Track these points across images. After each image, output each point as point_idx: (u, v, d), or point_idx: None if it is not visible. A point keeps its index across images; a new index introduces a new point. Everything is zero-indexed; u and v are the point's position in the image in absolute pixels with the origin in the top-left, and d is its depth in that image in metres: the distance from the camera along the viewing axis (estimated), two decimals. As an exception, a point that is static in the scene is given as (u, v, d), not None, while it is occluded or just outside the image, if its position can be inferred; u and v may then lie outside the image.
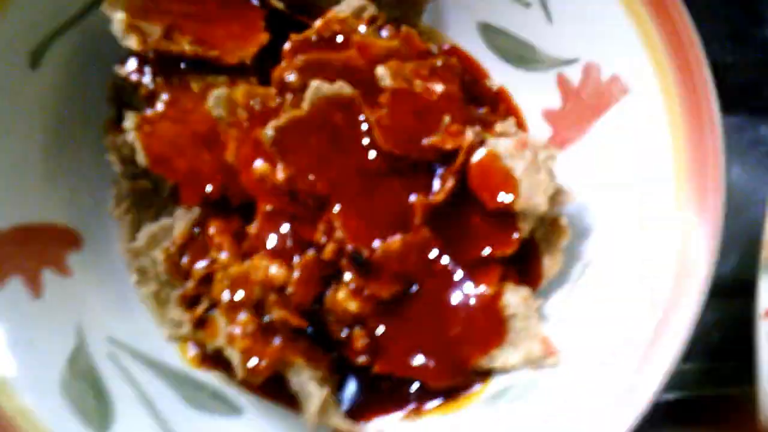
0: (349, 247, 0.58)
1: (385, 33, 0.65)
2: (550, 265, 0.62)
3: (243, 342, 0.57)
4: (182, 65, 0.64)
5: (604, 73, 0.64)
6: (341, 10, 0.65)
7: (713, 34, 0.73)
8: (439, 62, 0.64)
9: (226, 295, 0.59)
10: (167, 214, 0.65)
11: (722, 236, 0.57)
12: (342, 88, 0.60)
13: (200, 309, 0.61)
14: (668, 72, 0.60)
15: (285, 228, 0.61)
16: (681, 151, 0.58)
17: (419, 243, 0.60)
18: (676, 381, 0.55)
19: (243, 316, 0.59)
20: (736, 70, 0.77)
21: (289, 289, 0.59)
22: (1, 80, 0.60)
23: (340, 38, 0.64)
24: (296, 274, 0.59)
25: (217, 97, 0.62)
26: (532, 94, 0.69)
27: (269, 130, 0.59)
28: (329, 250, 0.59)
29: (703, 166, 0.58)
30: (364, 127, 0.61)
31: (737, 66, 0.77)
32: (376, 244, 0.59)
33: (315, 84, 0.59)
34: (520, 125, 0.69)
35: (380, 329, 0.60)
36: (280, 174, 0.59)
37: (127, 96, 0.65)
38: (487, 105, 0.69)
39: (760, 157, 0.76)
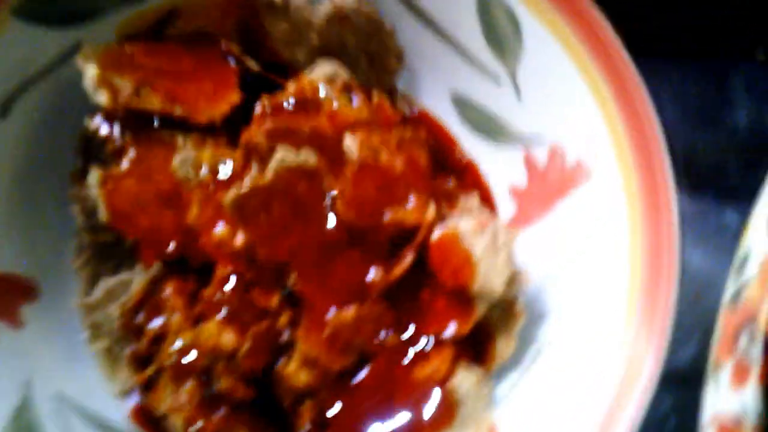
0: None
1: (356, 99, 0.65)
2: (504, 347, 0.62)
3: (186, 411, 0.57)
4: (152, 122, 0.64)
5: (569, 157, 0.65)
6: (314, 75, 0.65)
7: (683, 115, 0.74)
8: (407, 133, 0.65)
9: (173, 361, 0.59)
10: (127, 269, 0.65)
11: (682, 323, 0.57)
12: (307, 159, 0.60)
13: (149, 371, 0.61)
14: (628, 159, 0.60)
15: (240, 294, 0.60)
16: (637, 239, 0.59)
17: (374, 316, 0.60)
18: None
19: (188, 384, 0.59)
20: (703, 153, 0.78)
21: (239, 357, 0.59)
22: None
23: (311, 104, 0.64)
24: (247, 344, 0.59)
25: (183, 160, 0.62)
26: (500, 169, 0.70)
27: (231, 196, 0.59)
28: (284, 320, 0.59)
29: (658, 255, 0.58)
30: (328, 196, 0.61)
31: (706, 149, 0.78)
32: (331, 313, 0.59)
33: (280, 154, 0.59)
34: (486, 200, 0.69)
35: (329, 402, 0.60)
36: (239, 240, 0.59)
37: (95, 148, 0.65)
38: (454, 176, 0.69)
39: (725, 242, 0.76)
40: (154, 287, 0.63)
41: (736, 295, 0.58)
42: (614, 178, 0.61)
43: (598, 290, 0.61)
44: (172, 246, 0.62)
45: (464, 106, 0.71)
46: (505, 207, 0.69)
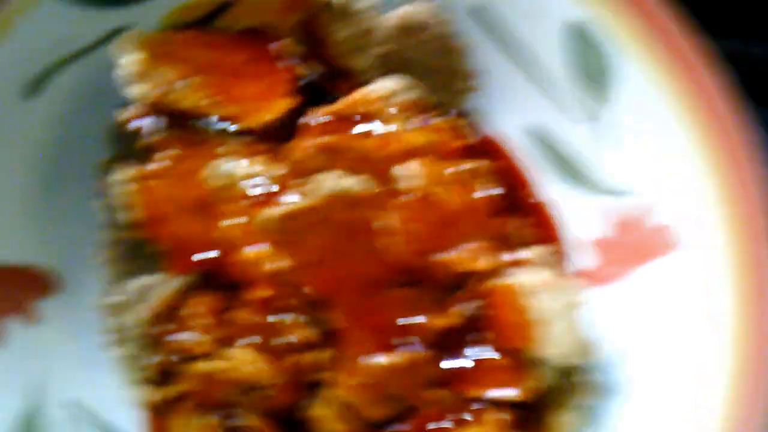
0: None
1: (417, 121, 0.58)
2: (567, 420, 0.55)
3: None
4: (191, 121, 0.57)
5: (662, 217, 0.57)
6: (374, 91, 0.58)
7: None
8: (471, 165, 0.58)
9: (198, 387, 0.54)
10: (152, 270, 0.59)
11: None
12: (356, 185, 0.54)
13: (169, 392, 0.56)
14: (734, 230, 0.53)
15: (274, 321, 0.54)
16: (738, 336, 0.51)
17: (419, 366, 0.54)
18: None
19: (211, 417, 0.54)
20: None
21: (269, 391, 0.53)
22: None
23: (368, 121, 0.57)
24: (279, 377, 0.53)
25: (222, 166, 0.56)
26: (574, 216, 0.62)
27: (272, 215, 0.53)
28: (321, 357, 0.53)
29: (762, 360, 0.50)
30: (376, 228, 0.54)
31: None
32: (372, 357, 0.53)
33: (328, 178, 0.53)
34: (556, 250, 0.61)
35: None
36: (281, 263, 0.53)
37: (126, 141, 0.59)
38: (521, 217, 0.62)
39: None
40: (181, 298, 0.57)
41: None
42: (712, 253, 0.53)
43: (685, 372, 0.53)
44: (203, 257, 0.56)
45: (540, 142, 0.63)
46: (577, 260, 0.62)
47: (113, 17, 0.58)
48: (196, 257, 0.56)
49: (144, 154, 0.58)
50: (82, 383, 0.59)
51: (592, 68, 0.57)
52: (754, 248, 0.52)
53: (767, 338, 0.50)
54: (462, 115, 0.65)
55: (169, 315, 0.57)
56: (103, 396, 0.59)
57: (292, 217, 0.54)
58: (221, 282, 0.57)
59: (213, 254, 0.56)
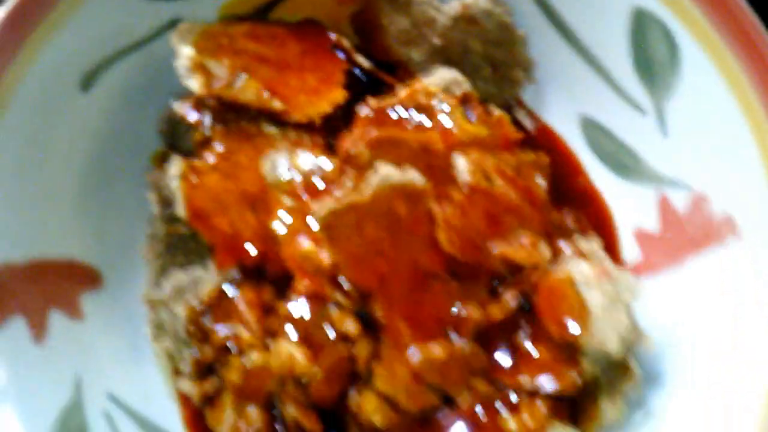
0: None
1: (474, 114, 0.57)
2: (610, 410, 0.54)
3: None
4: (245, 114, 0.57)
5: (715, 208, 0.56)
6: (431, 82, 0.58)
7: None
8: (527, 158, 0.57)
9: (239, 380, 0.54)
10: (199, 264, 0.60)
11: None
12: (412, 178, 0.53)
13: (210, 385, 0.56)
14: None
15: (318, 315, 0.54)
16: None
17: (464, 358, 0.53)
18: None
19: (252, 409, 0.53)
20: None
21: (312, 383, 0.53)
22: (47, 100, 0.55)
23: (423, 114, 0.57)
24: (321, 369, 0.53)
25: (274, 160, 0.56)
26: (629, 208, 0.61)
27: (324, 210, 0.53)
28: (363, 350, 0.53)
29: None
30: (428, 221, 0.53)
31: None
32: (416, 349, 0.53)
33: (383, 170, 0.53)
34: (610, 242, 0.61)
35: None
36: (325, 258, 0.53)
37: (180, 135, 0.60)
38: (574, 206, 0.61)
39: None
40: (226, 292, 0.57)
41: None
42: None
43: (733, 363, 0.52)
44: (250, 252, 0.56)
45: (595, 133, 0.62)
46: (631, 251, 0.61)
47: (169, 9, 0.58)
48: (246, 251, 0.56)
49: (198, 147, 0.58)
50: (120, 378, 0.59)
51: (657, 57, 0.56)
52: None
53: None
54: (520, 105, 0.64)
55: (215, 307, 0.57)
56: (140, 391, 0.59)
57: (345, 212, 0.53)
58: (269, 276, 0.57)
59: (262, 248, 0.56)
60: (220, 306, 0.57)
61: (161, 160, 0.60)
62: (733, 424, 0.51)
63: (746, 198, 0.54)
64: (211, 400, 0.56)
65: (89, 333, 0.59)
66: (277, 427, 0.54)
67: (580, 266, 0.54)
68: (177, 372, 0.60)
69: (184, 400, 0.59)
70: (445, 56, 0.62)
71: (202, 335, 0.57)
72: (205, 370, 0.57)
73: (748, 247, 0.54)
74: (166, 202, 0.59)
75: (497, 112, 0.58)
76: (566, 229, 0.59)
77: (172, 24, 0.58)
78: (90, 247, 0.60)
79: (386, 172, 0.53)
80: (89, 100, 0.58)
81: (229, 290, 0.57)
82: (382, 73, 0.61)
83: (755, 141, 0.52)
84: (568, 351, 0.53)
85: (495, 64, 0.63)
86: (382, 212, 0.53)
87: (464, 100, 0.58)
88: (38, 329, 0.55)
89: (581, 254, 0.56)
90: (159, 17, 0.58)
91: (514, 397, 0.53)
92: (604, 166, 0.62)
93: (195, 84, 0.56)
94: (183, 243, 0.61)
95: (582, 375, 0.53)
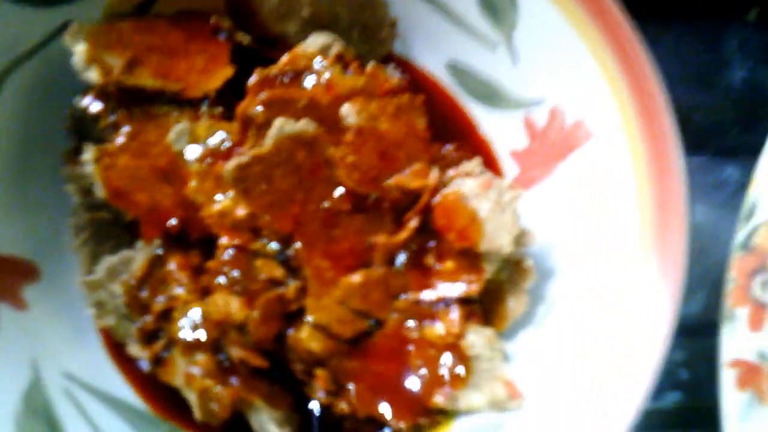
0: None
1: (350, 71, 0.64)
2: (515, 306, 0.61)
3: (201, 382, 0.56)
4: (145, 98, 0.62)
5: (569, 117, 0.64)
6: (308, 47, 0.64)
7: (679, 76, 0.74)
8: (404, 101, 0.64)
9: (184, 334, 0.58)
10: (127, 246, 0.64)
11: (688, 276, 0.56)
12: (306, 126, 0.59)
13: (158, 346, 0.60)
14: (632, 117, 0.59)
15: (245, 265, 0.59)
16: (644, 195, 0.58)
17: (381, 281, 0.60)
18: (644, 422, 0.55)
19: (201, 356, 0.58)
20: (702, 112, 0.78)
21: (250, 326, 0.58)
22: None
23: (305, 75, 0.63)
24: (256, 313, 0.58)
25: (178, 132, 0.61)
26: (500, 133, 0.69)
27: (231, 166, 0.58)
28: (292, 289, 0.58)
29: (667, 209, 0.58)
30: (328, 165, 0.60)
31: (702, 108, 0.78)
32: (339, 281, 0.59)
33: (279, 122, 0.58)
34: (490, 163, 0.68)
35: (342, 368, 0.59)
36: (241, 211, 0.58)
37: (87, 126, 0.64)
38: (454, 141, 0.68)
39: (725, 197, 0.76)
40: (156, 263, 0.62)
41: (746, 243, 0.58)
42: (617, 135, 0.60)
43: (608, 244, 0.60)
44: (172, 221, 0.61)
45: (460, 74, 0.70)
46: (508, 170, 0.69)
47: (58, 13, 0.62)
48: (168, 221, 0.61)
49: (106, 135, 0.62)
50: (72, 358, 0.63)
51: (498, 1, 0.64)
52: (652, 130, 0.59)
53: (669, 198, 0.57)
54: (392, 59, 0.71)
55: (149, 279, 0.62)
56: (92, 367, 0.64)
57: (251, 165, 0.58)
58: (194, 240, 0.62)
59: (183, 214, 0.61)
60: (152, 276, 0.62)
61: (73, 155, 0.64)
62: (616, 305, 0.58)
63: (592, 104, 0.62)
64: (161, 360, 0.61)
65: (36, 321, 0.63)
66: (226, 366, 0.59)
67: (466, 183, 0.61)
68: (126, 343, 0.63)
69: (129, 370, 0.64)
70: (317, 25, 0.68)
71: (142, 307, 0.62)
72: (150, 337, 0.62)
73: (601, 146, 0.62)
74: (85, 191, 0.63)
75: (371, 65, 0.65)
76: (451, 158, 0.66)
77: (64, 27, 0.62)
78: (22, 243, 0.64)
79: (281, 123, 0.59)
80: (-3, 105, 0.62)
81: (159, 260, 0.62)
82: (264, 49, 0.67)
83: (591, 54, 0.61)
84: (470, 259, 0.60)
85: (363, 26, 0.69)
86: (285, 160, 0.59)
87: (339, 59, 0.64)
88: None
89: (467, 174, 0.63)
90: (50, 23, 0.62)
91: (432, 309, 0.60)
92: (475, 101, 0.70)
93: (93, 74, 0.60)
94: (107, 230, 0.65)
95: (485, 277, 0.59)
